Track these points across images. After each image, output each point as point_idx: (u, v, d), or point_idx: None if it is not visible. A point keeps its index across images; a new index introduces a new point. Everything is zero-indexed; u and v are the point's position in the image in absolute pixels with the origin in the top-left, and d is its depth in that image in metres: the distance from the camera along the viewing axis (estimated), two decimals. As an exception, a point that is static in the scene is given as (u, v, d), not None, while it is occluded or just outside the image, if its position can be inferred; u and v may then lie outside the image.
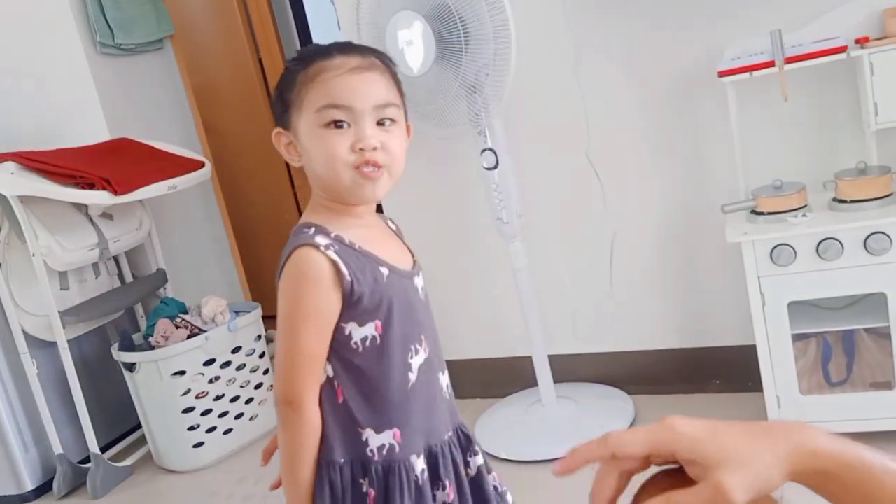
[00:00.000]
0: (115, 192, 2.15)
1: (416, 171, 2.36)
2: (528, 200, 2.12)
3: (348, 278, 0.98)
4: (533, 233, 2.16)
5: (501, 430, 2.16)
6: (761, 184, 1.87)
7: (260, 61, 3.68)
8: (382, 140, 0.98)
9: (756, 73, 1.81)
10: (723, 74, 1.83)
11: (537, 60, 2.12)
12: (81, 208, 2.38)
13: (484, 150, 1.99)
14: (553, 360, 2.16)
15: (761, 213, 1.78)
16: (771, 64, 1.79)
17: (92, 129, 2.61)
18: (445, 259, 2.42)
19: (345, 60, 0.99)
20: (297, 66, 1.02)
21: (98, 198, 2.16)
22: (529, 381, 2.22)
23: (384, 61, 1.04)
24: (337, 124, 0.98)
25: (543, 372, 2.14)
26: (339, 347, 1.02)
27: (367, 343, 1.02)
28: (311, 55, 1.01)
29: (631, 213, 2.17)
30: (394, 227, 1.17)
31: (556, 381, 2.16)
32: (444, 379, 1.13)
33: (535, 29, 2.10)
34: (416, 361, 1.07)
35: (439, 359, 1.12)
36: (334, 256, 0.98)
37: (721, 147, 1.99)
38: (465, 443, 1.14)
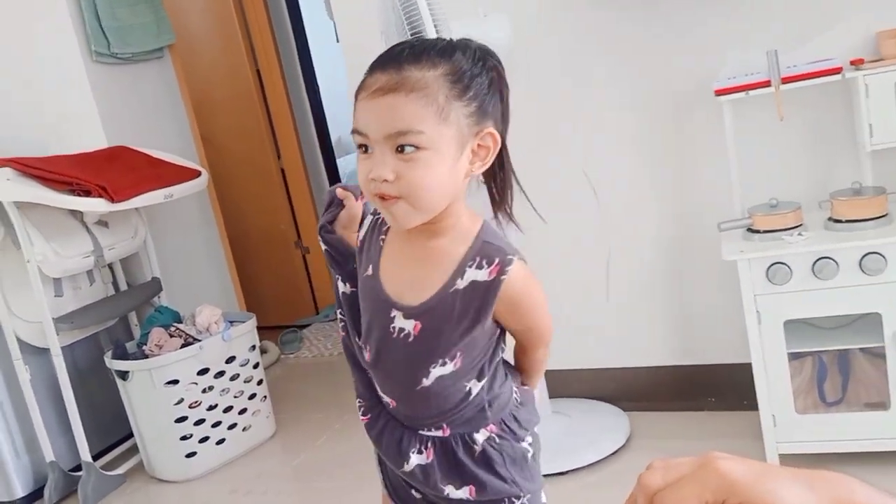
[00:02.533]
0: (112, 200, 2.15)
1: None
2: (523, 213, 2.12)
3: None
4: (528, 247, 2.16)
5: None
6: (757, 202, 1.88)
7: (258, 73, 3.68)
8: (399, 170, 0.92)
9: (752, 93, 1.82)
10: (720, 93, 1.85)
11: (534, 75, 2.14)
12: (77, 215, 2.37)
13: (482, 164, 1.99)
14: (547, 374, 2.16)
15: (757, 232, 1.79)
16: (767, 84, 1.81)
17: (89, 137, 2.61)
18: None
19: (375, 79, 0.94)
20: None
21: (94, 205, 2.16)
22: (524, 396, 2.21)
23: (424, 73, 0.93)
24: (362, 149, 0.95)
25: (539, 387, 2.13)
26: None
27: None
28: (368, 68, 0.97)
29: (627, 228, 2.18)
30: (469, 273, 0.99)
31: (550, 396, 2.16)
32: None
33: (532, 44, 2.11)
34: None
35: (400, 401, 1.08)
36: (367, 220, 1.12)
37: (717, 164, 2.00)
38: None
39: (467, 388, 1.04)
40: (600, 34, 2.08)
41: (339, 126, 4.06)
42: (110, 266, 2.60)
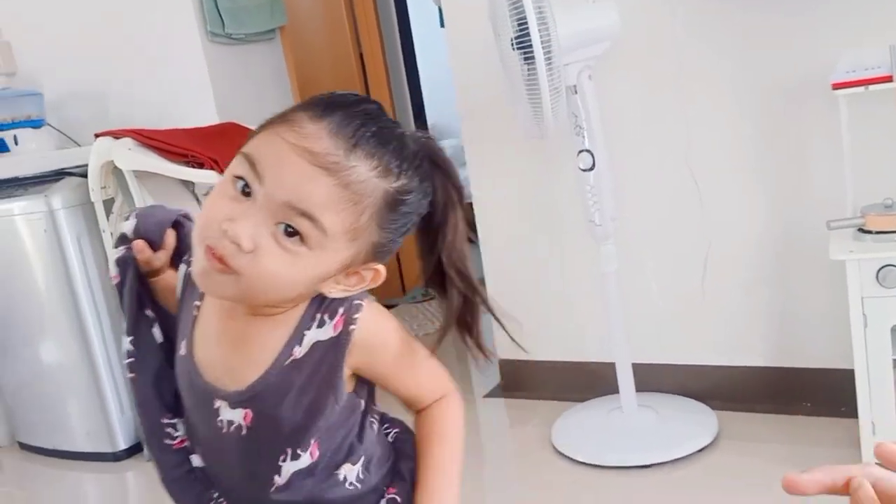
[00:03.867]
0: (222, 172, 2.25)
1: (512, 163, 2.39)
2: (622, 204, 2.11)
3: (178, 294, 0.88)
4: (624, 237, 2.14)
5: (579, 433, 2.15)
6: (870, 202, 1.80)
7: (361, 56, 3.77)
8: (263, 248, 0.70)
9: (871, 88, 1.74)
10: (837, 87, 1.77)
11: (640, 62, 2.11)
12: (188, 186, 2.50)
13: (581, 152, 1.98)
14: (635, 368, 2.13)
15: (869, 232, 1.71)
16: (888, 79, 1.72)
17: (202, 113, 2.73)
18: (531, 257, 2.43)
19: (315, 132, 0.71)
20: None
21: (206, 177, 2.27)
22: (609, 388, 2.20)
23: (371, 177, 0.72)
24: (237, 183, 0.72)
25: (626, 379, 2.11)
26: None
27: None
28: (314, 105, 0.75)
29: (729, 223, 2.13)
30: (308, 335, 0.79)
31: (637, 389, 2.14)
32: None
33: (639, 31, 2.08)
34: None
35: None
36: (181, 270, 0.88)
37: (829, 161, 1.93)
38: None
39: (342, 477, 0.84)
40: (710, 23, 2.03)
41: (436, 111, 4.11)
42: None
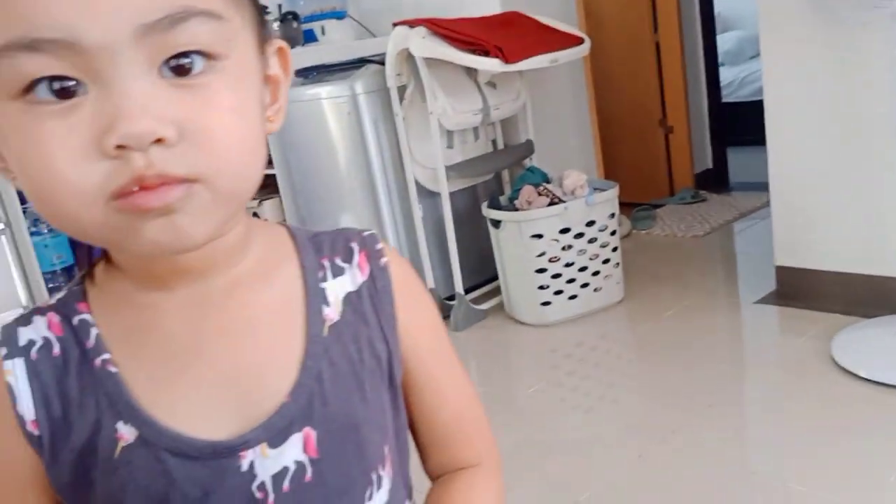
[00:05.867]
0: (507, 61, 2.33)
1: (813, 57, 2.18)
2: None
3: (30, 416, 0.50)
4: None
5: (863, 349, 2.01)
6: None
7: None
8: (182, 111, 0.42)
9: None
10: None
11: None
12: (472, 74, 2.61)
13: (904, 40, 1.75)
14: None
15: None
16: None
17: (487, 3, 2.81)
18: (828, 158, 2.24)
19: None
20: None
21: (491, 65, 2.36)
22: (904, 306, 2.01)
23: None
24: (48, 88, 0.41)
25: (926, 298, 1.91)
26: None
27: None
28: None
29: None
30: (331, 287, 0.56)
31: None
32: None
33: None
34: None
35: None
36: (13, 376, 0.50)
37: None
38: None
39: None
40: None
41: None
42: (492, 125, 2.85)
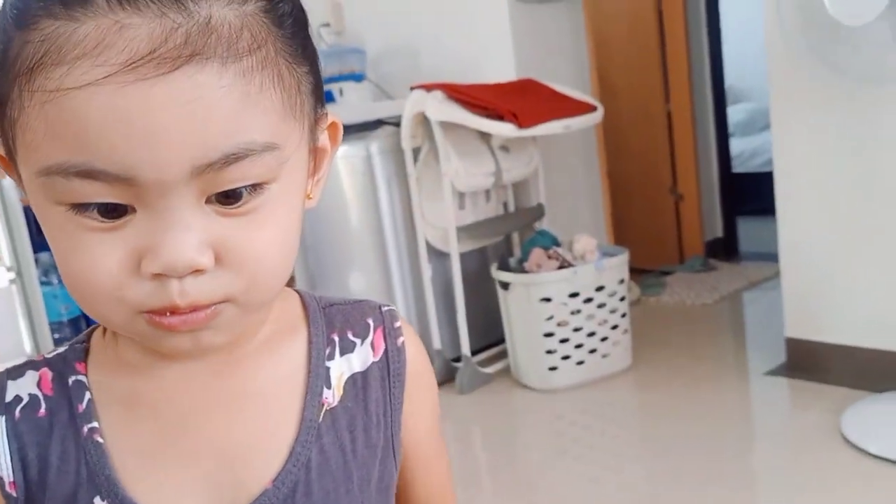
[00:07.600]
0: (520, 126, 2.37)
1: (825, 126, 2.20)
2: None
3: (8, 478, 0.49)
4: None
5: (873, 424, 1.97)
6: None
7: (660, 13, 3.67)
8: (223, 239, 0.43)
9: None
10: None
11: None
12: (486, 138, 2.66)
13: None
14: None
15: None
16: None
17: (502, 69, 2.87)
18: (838, 230, 2.24)
19: (113, 31, 0.39)
20: (11, 25, 0.41)
21: (505, 129, 2.40)
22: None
23: (236, 6, 0.42)
24: (89, 212, 0.42)
25: (939, 376, 1.89)
26: None
27: None
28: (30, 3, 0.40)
29: None
30: (336, 367, 0.54)
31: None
32: None
33: None
34: None
35: None
36: None
37: None
38: None
39: None
40: None
41: (734, 73, 3.89)
42: (504, 187, 2.88)
